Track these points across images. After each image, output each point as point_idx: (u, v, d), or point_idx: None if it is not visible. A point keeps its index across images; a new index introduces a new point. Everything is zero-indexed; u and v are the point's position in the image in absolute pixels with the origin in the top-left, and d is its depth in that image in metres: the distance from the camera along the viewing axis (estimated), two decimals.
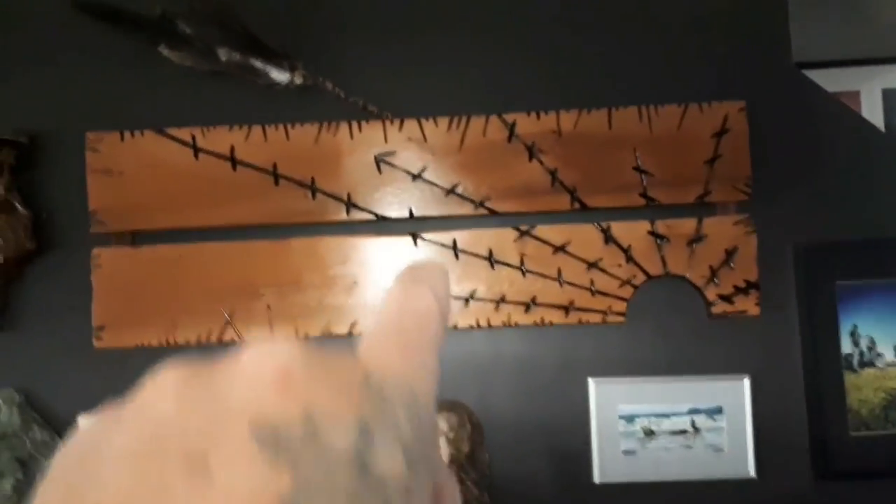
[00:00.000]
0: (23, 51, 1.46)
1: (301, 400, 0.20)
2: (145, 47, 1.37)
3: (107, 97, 1.43)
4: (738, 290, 1.36)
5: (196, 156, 1.39)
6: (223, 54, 1.34)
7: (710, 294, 1.36)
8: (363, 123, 1.40)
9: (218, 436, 0.19)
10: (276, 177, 1.40)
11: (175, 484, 0.18)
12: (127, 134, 1.39)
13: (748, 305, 1.36)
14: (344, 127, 1.40)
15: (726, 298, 1.36)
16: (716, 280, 1.36)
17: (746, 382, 1.37)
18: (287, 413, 0.19)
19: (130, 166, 1.40)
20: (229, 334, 1.40)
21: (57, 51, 1.45)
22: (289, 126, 1.39)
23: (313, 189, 1.40)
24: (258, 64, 1.35)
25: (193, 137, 1.39)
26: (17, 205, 1.42)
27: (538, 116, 1.38)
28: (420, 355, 0.24)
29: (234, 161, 1.39)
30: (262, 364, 0.20)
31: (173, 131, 1.39)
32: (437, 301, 0.26)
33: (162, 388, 0.21)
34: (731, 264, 1.36)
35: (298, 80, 1.36)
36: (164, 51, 1.35)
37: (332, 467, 0.19)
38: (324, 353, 0.22)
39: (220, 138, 1.39)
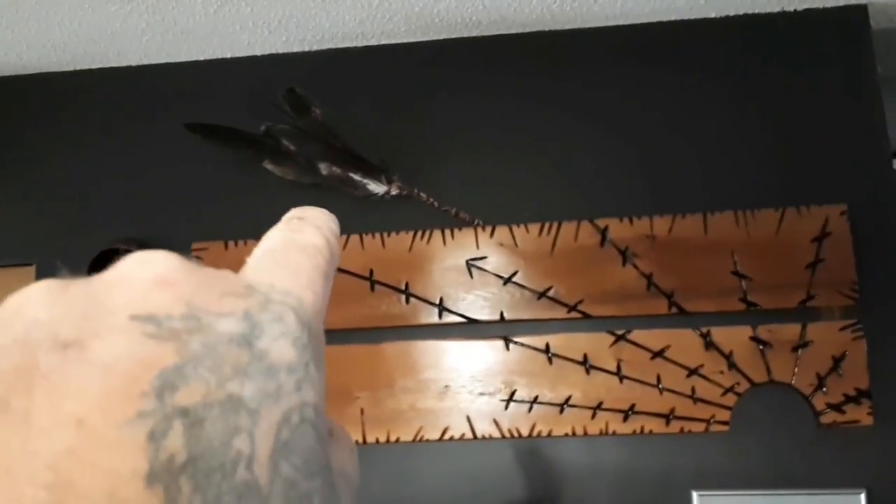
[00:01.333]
0: (136, 166, 1.56)
1: (183, 297, 0.19)
2: (250, 162, 1.45)
3: (213, 209, 1.51)
4: (848, 398, 1.30)
5: None
6: (324, 168, 1.40)
7: (819, 403, 1.31)
8: (455, 231, 1.43)
9: (94, 324, 0.17)
10: (372, 283, 1.43)
11: (43, 360, 0.16)
12: (231, 243, 1.46)
13: (860, 415, 1.30)
14: (437, 234, 1.43)
15: (836, 407, 1.30)
16: (824, 388, 1.30)
17: (862, 498, 1.29)
18: (168, 307, 0.18)
19: None
20: None
21: (167, 166, 1.54)
22: (385, 234, 1.43)
23: (407, 294, 1.43)
24: (357, 177, 1.40)
25: None
26: None
27: (631, 222, 1.39)
28: (307, 278, 0.22)
29: None
30: (142, 271, 0.19)
31: None
32: (325, 239, 0.25)
33: (32, 294, 0.19)
34: (840, 371, 1.31)
35: (394, 192, 1.41)
36: (268, 165, 1.42)
37: (217, 344, 0.18)
38: (206, 267, 0.21)
39: None
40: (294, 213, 0.26)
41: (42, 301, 0.19)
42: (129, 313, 0.18)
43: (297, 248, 0.24)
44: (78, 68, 1.61)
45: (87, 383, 0.16)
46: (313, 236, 0.25)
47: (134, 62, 1.60)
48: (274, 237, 0.25)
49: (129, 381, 0.16)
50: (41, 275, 1.54)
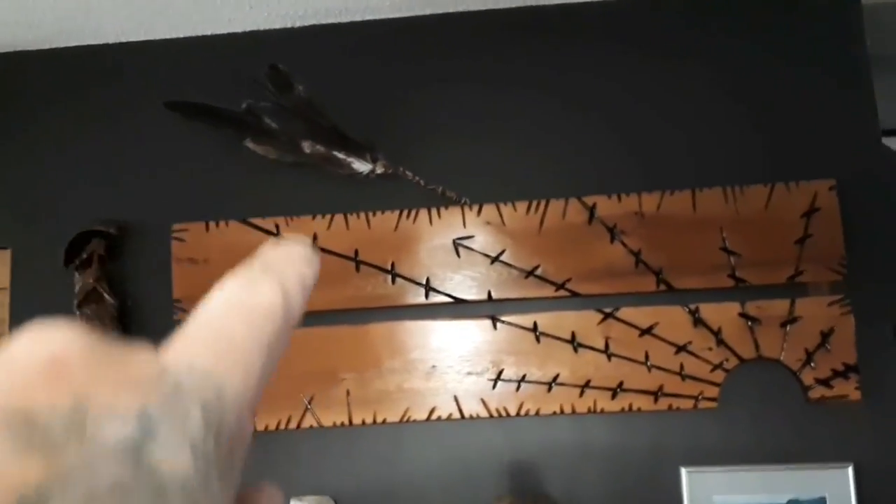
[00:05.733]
0: (114, 146, 1.52)
1: (72, 389, 0.17)
2: (232, 141, 1.42)
3: (193, 189, 1.48)
4: (836, 373, 1.30)
5: None
6: (307, 147, 1.37)
7: (807, 378, 1.31)
8: (442, 209, 1.41)
9: None
10: (358, 263, 1.41)
11: None
12: (212, 224, 1.43)
13: (848, 389, 1.30)
14: (423, 213, 1.41)
15: (824, 382, 1.30)
16: (812, 363, 1.30)
17: (850, 471, 1.30)
18: (52, 402, 0.17)
19: (215, 255, 1.43)
20: (309, 420, 1.39)
21: (146, 145, 1.51)
22: (370, 214, 1.41)
23: (393, 274, 1.41)
24: (341, 155, 1.38)
25: (277, 226, 1.41)
26: (104, 293, 1.46)
27: (619, 199, 1.37)
28: (242, 355, 0.21)
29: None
30: (35, 351, 0.18)
31: (257, 221, 1.42)
32: (284, 297, 0.23)
33: None
34: (828, 347, 1.31)
35: (379, 170, 1.38)
36: (250, 144, 1.39)
37: (98, 458, 0.16)
38: (114, 346, 0.19)
39: (303, 227, 1.41)
40: (259, 257, 0.24)
41: None
42: (3, 407, 0.16)
43: (240, 314, 0.22)
44: (53, 46, 1.57)
45: None
46: (268, 294, 0.22)
47: (111, 39, 1.55)
48: (219, 299, 0.22)
49: None
50: (17, 259, 1.50)
